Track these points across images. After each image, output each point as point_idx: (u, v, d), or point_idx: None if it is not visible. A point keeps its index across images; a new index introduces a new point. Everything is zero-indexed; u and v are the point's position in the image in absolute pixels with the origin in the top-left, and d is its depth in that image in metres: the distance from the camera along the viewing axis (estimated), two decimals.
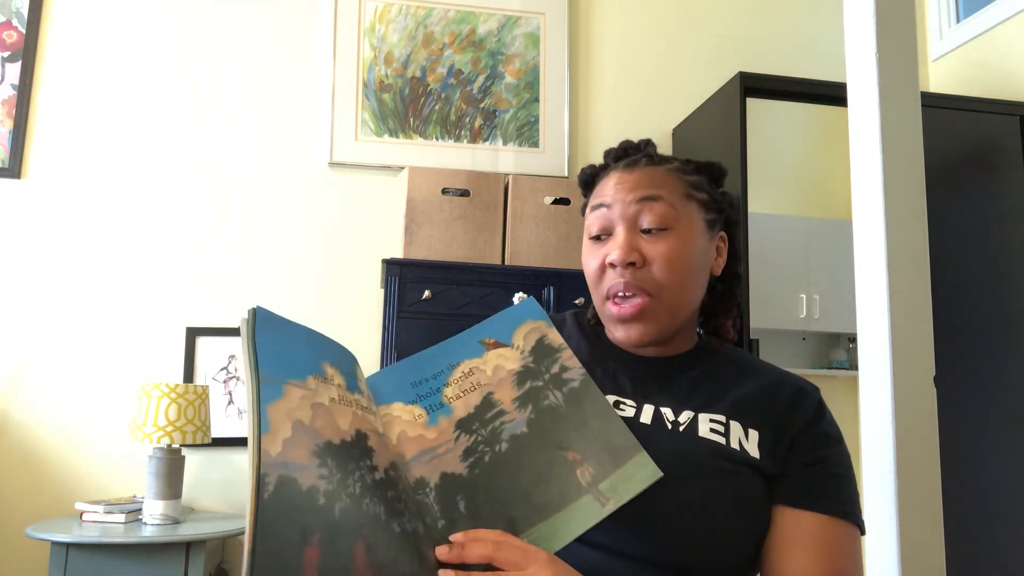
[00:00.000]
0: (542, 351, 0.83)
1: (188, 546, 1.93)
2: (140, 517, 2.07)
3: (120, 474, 2.33)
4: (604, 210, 0.90)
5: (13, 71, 2.45)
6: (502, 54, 2.73)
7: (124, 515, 2.03)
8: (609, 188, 0.91)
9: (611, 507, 0.71)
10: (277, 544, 0.55)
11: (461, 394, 0.79)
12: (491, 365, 0.82)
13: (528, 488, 0.73)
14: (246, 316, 0.64)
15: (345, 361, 0.72)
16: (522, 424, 0.77)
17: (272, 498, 0.56)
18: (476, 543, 0.67)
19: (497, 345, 0.83)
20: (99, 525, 2.00)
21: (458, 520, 0.71)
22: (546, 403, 0.79)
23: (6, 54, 2.45)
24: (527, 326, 0.85)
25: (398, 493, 0.66)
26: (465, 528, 0.70)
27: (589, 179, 0.98)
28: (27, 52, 2.46)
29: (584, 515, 0.71)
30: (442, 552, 0.67)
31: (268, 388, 0.61)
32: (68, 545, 1.90)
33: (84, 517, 2.05)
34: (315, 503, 0.58)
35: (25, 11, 2.48)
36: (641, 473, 0.74)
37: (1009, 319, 2.41)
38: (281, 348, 0.65)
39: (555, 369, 0.81)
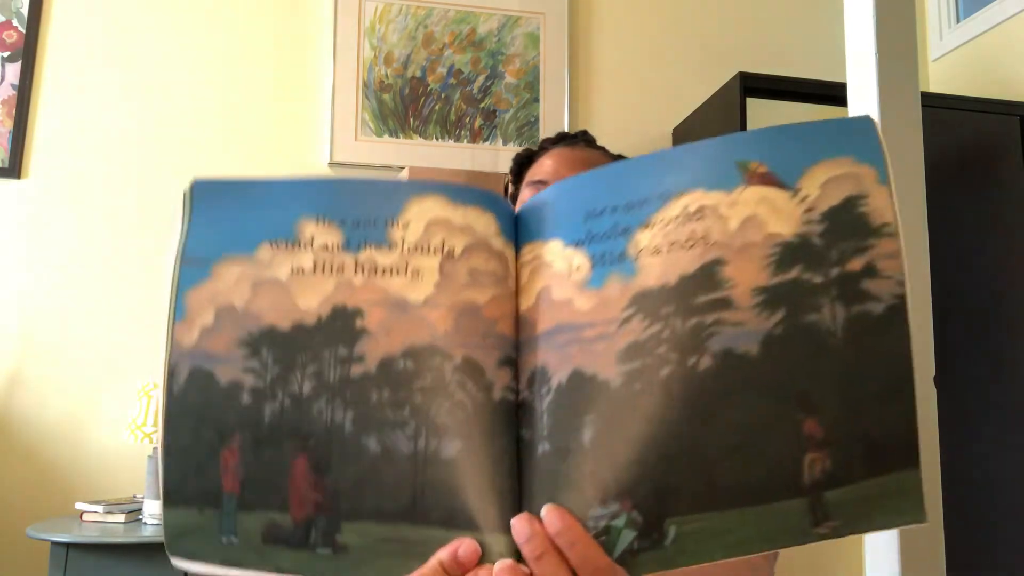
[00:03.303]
0: (848, 224, 0.46)
1: None
2: (140, 517, 2.07)
3: (120, 474, 2.33)
4: (542, 186, 0.89)
5: (13, 71, 2.45)
6: (502, 54, 2.73)
7: (124, 515, 2.03)
8: (548, 165, 0.91)
9: (825, 533, 0.44)
10: (190, 442, 0.48)
11: (665, 247, 0.47)
12: (742, 211, 0.47)
13: (721, 449, 0.44)
14: (184, 191, 0.56)
15: (366, 206, 0.51)
16: (754, 339, 0.45)
17: (182, 392, 0.49)
18: (535, 542, 0.44)
19: (767, 179, 0.47)
20: (99, 525, 2.00)
21: (569, 454, 0.45)
22: (812, 319, 0.45)
23: (6, 54, 2.45)
24: (834, 166, 0.47)
25: (406, 393, 0.47)
26: (575, 468, 0.45)
27: (525, 160, 0.97)
28: (27, 52, 2.46)
29: (781, 527, 0.44)
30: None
31: (191, 271, 0.51)
32: (68, 545, 1.90)
33: (84, 517, 2.05)
34: (236, 401, 0.49)
35: (25, 11, 2.48)
36: (899, 503, 0.44)
37: (1009, 319, 2.41)
38: (223, 218, 0.53)
39: (855, 266, 0.46)
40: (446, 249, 0.50)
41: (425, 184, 0.52)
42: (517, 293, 0.51)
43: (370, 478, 0.46)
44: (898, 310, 0.46)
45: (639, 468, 0.44)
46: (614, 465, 0.45)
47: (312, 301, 0.49)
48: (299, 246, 0.51)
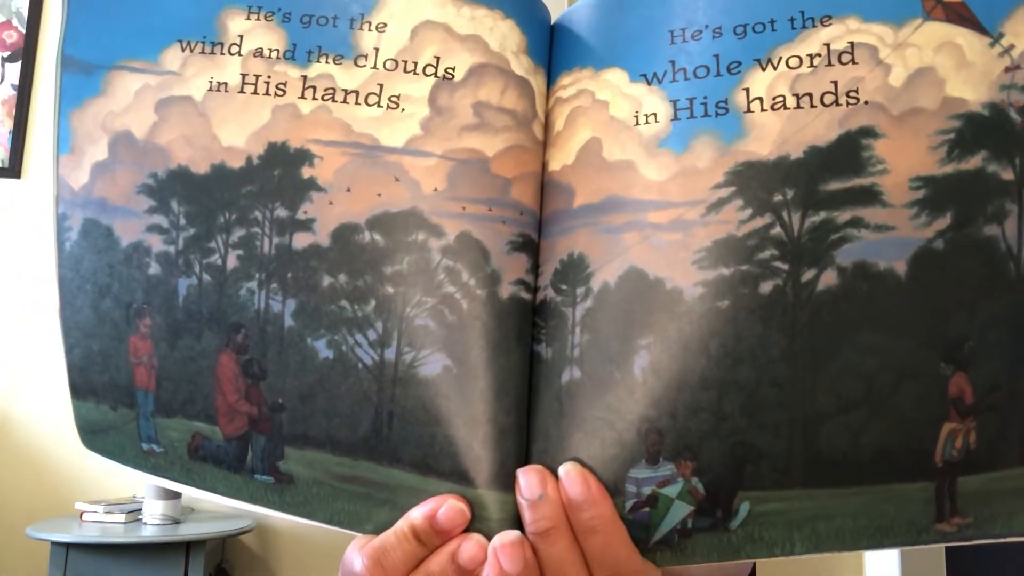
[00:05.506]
0: None
1: (188, 546, 1.93)
2: (140, 517, 2.07)
3: (120, 474, 2.32)
4: None
5: (13, 71, 2.45)
6: None
7: (124, 515, 2.04)
8: None
9: (949, 533, 0.33)
10: (89, 319, 0.39)
11: (791, 100, 0.32)
12: (913, 59, 0.31)
13: (832, 403, 0.31)
14: None
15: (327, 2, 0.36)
16: (903, 252, 0.31)
17: (76, 251, 0.38)
18: (544, 509, 0.31)
19: (958, 13, 0.32)
20: (99, 525, 2.00)
21: (609, 387, 0.32)
22: (988, 234, 0.31)
23: (6, 54, 2.45)
24: None
25: (372, 281, 0.34)
26: (618, 407, 0.32)
27: None
28: (27, 52, 2.46)
29: (895, 518, 0.32)
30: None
31: (75, 81, 0.39)
32: (68, 545, 1.90)
33: (84, 517, 2.05)
34: (141, 271, 0.37)
35: (25, 11, 2.48)
36: None
37: None
38: (115, 7, 0.39)
39: None
40: (442, 69, 0.35)
41: None
42: (547, 144, 0.36)
43: (319, 394, 0.34)
44: None
45: (712, 418, 0.31)
46: (675, 409, 0.31)
47: (239, 134, 0.36)
48: (222, 50, 0.37)
